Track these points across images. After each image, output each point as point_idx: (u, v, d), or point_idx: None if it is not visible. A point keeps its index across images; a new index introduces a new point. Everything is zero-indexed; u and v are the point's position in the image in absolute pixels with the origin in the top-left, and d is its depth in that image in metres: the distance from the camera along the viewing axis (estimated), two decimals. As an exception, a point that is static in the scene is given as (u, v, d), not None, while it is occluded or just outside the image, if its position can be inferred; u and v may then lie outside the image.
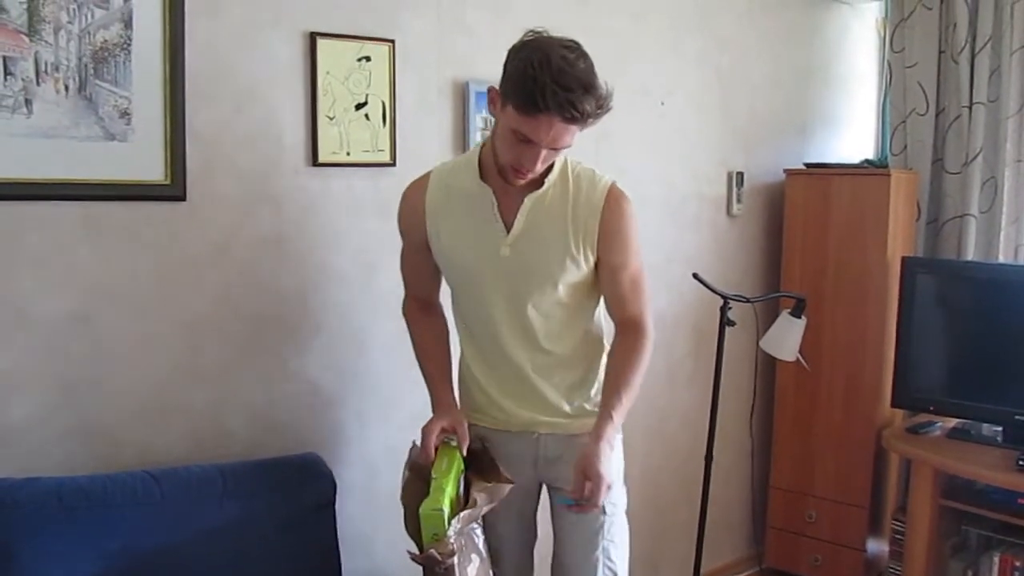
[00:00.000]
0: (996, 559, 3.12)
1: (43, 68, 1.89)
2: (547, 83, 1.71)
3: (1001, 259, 3.58)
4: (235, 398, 2.22)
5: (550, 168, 1.93)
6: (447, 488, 1.84)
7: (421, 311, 2.16)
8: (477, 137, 2.58)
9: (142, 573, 1.86)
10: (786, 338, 2.96)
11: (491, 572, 2.01)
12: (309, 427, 2.34)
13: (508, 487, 1.97)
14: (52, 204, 1.92)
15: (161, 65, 2.03)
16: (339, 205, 2.36)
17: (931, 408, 3.32)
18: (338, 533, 2.14)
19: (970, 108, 3.62)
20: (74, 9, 1.91)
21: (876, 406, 3.48)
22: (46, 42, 1.88)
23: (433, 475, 1.89)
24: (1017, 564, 3.07)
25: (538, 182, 1.92)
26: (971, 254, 3.63)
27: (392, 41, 2.40)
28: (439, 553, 1.73)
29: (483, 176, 1.95)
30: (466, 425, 2.02)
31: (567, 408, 2.05)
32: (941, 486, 3.14)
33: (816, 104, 3.89)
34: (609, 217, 1.95)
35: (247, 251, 2.21)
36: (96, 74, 1.95)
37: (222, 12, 2.12)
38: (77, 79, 1.93)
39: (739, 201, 3.54)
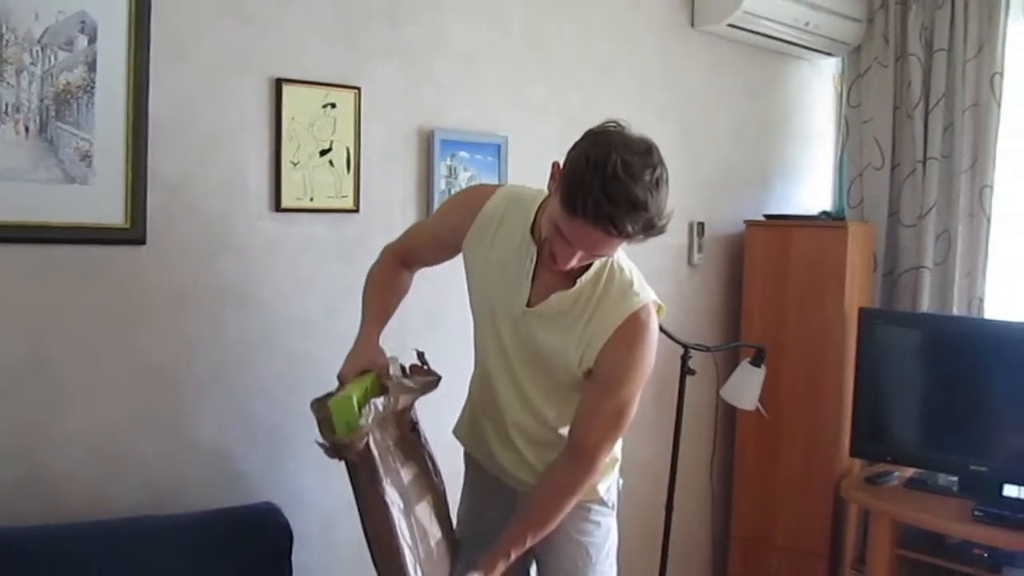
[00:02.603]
0: (953, 609, 3.14)
1: (3, 109, 1.86)
2: (593, 189, 1.55)
3: (955, 311, 3.65)
4: (191, 446, 2.18)
5: (589, 266, 1.80)
6: (357, 386, 1.77)
7: (396, 263, 2.08)
8: (442, 185, 2.59)
9: (91, 627, 1.80)
10: (746, 387, 2.97)
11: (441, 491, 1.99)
12: (267, 476, 2.30)
13: (434, 380, 1.94)
14: (9, 246, 1.89)
15: (124, 108, 2.02)
16: (302, 251, 2.34)
17: (888, 458, 3.36)
18: (294, 585, 2.10)
19: (924, 163, 3.72)
20: (38, 51, 1.89)
21: (835, 455, 3.51)
22: (8, 83, 1.86)
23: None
24: (974, 614, 3.09)
25: (572, 277, 1.79)
26: (926, 306, 3.70)
27: (358, 88, 2.40)
28: (348, 439, 1.66)
29: (534, 232, 1.83)
30: (387, 361, 1.90)
31: (540, 471, 1.95)
32: (899, 536, 3.16)
33: (776, 157, 3.97)
34: (614, 349, 1.78)
35: (208, 296, 2.18)
36: (58, 116, 1.93)
37: (187, 56, 2.11)
38: (38, 121, 1.91)
39: (700, 251, 3.58)
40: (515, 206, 1.89)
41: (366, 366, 1.87)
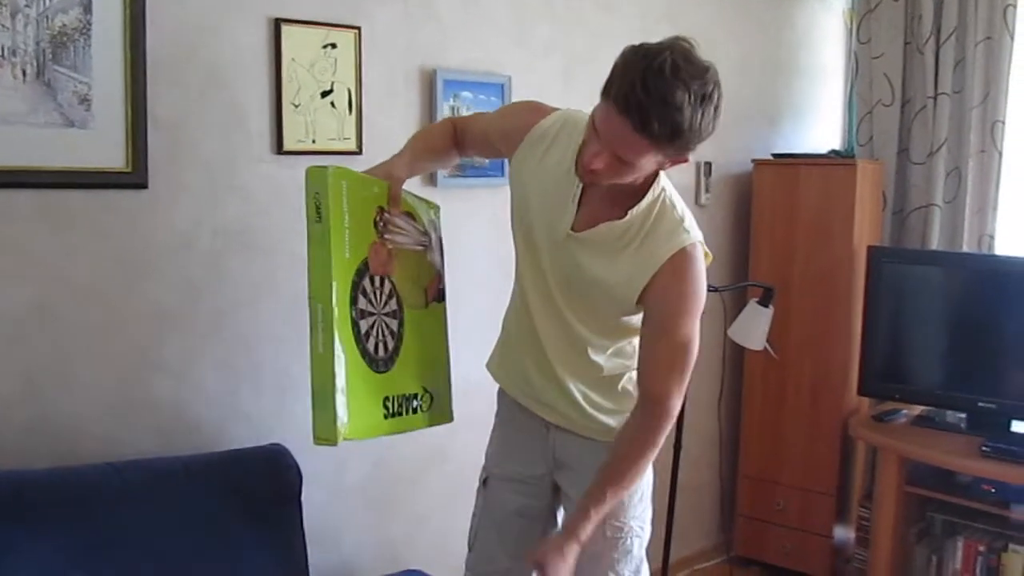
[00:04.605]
0: (960, 544, 3.16)
1: (0, 53, 1.84)
2: (632, 74, 1.51)
3: (965, 248, 3.62)
4: (200, 389, 2.19)
5: (641, 198, 1.74)
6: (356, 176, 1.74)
7: (450, 134, 2.02)
8: (445, 125, 2.56)
9: (104, 567, 1.82)
10: (754, 327, 2.97)
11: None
12: (276, 418, 2.32)
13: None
14: (10, 192, 1.88)
15: (122, 50, 1.99)
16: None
17: (897, 396, 3.36)
18: (304, 525, 2.12)
19: (935, 99, 3.66)
20: (32, -8, 1.87)
21: (843, 394, 3.51)
22: (3, 26, 1.84)
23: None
24: (981, 549, 3.12)
25: (622, 208, 1.74)
26: (936, 243, 3.67)
27: (358, 28, 2.37)
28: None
29: None
30: (404, 176, 1.85)
31: (580, 401, 1.92)
32: (906, 473, 3.17)
33: (784, 94, 3.91)
34: (663, 283, 1.73)
35: (212, 240, 2.18)
36: (55, 59, 1.91)
37: (184, -3, 2.09)
38: (35, 64, 1.89)
39: (707, 191, 3.55)
40: (568, 128, 1.82)
41: (382, 176, 1.82)
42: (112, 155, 2.00)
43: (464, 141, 2.03)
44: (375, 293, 1.76)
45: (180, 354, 2.15)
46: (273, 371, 2.31)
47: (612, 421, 1.92)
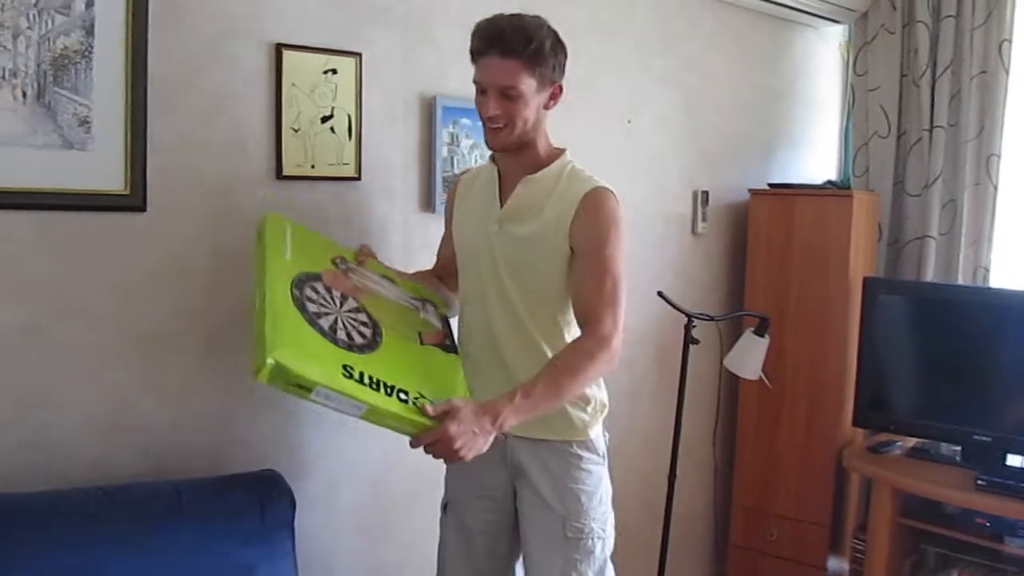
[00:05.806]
0: (954, 577, 3.16)
1: (1, 74, 1.85)
2: (482, 27, 1.94)
3: (960, 280, 3.64)
4: (193, 413, 2.17)
5: (551, 161, 2.04)
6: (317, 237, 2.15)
7: (434, 272, 2.36)
8: (444, 153, 2.57)
9: (94, 592, 1.81)
10: (749, 356, 2.97)
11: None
12: (269, 442, 2.30)
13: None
14: (7, 213, 1.87)
15: (123, 73, 2.00)
16: (304, 218, 2.32)
17: (891, 427, 3.36)
18: (297, 550, 2.10)
19: (931, 131, 3.69)
20: (34, 15, 1.87)
21: (838, 425, 3.51)
22: (4, 48, 1.84)
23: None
24: (974, 582, 3.11)
25: (535, 169, 2.03)
26: (931, 275, 3.69)
27: (359, 54, 2.38)
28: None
29: (495, 161, 2.13)
30: (370, 252, 2.19)
31: None
32: (900, 505, 3.16)
33: (781, 125, 3.93)
34: (585, 210, 1.96)
35: (209, 263, 2.17)
36: (55, 81, 1.91)
37: (187, 21, 2.09)
38: (36, 86, 1.89)
39: (704, 220, 3.57)
40: (488, 163, 2.15)
41: (356, 248, 2.20)
42: (111, 177, 2.00)
43: (439, 262, 2.35)
44: (331, 297, 1.94)
45: (174, 378, 2.14)
46: (268, 396, 2.29)
47: (572, 411, 2.03)
